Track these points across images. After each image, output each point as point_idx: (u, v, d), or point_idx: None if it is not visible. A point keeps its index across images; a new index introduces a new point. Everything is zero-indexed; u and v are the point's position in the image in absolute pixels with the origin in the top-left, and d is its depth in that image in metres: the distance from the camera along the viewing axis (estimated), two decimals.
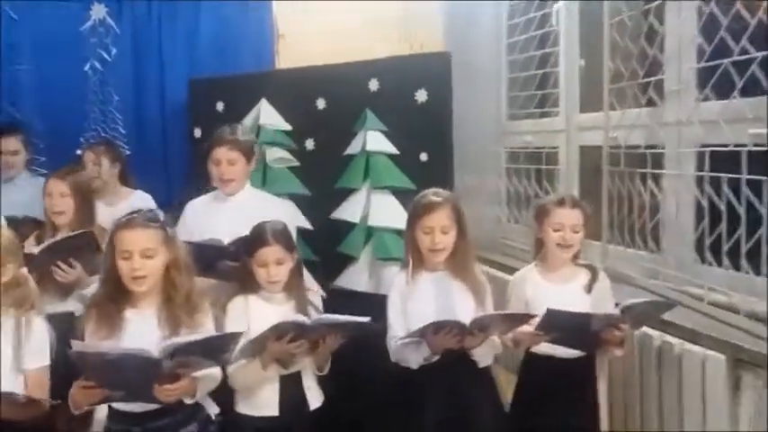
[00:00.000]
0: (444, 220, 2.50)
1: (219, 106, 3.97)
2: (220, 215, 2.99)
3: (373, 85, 3.46)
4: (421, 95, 3.34)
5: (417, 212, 2.54)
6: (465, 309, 2.47)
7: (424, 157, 3.36)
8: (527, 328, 2.41)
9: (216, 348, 2.04)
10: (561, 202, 2.61)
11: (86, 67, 4.22)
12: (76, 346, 1.91)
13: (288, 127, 3.75)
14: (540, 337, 2.36)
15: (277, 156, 3.73)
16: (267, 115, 3.74)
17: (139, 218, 2.17)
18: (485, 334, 2.36)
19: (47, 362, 2.10)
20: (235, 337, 2.09)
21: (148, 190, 3.77)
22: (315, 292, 2.72)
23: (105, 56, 4.25)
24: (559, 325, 2.30)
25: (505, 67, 4.15)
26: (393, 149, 3.43)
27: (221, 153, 2.92)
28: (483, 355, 2.48)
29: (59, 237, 2.89)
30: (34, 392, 2.01)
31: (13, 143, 3.70)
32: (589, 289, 2.57)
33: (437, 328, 2.29)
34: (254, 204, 3.01)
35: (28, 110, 4.13)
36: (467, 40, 4.11)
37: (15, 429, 2.00)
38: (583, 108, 3.47)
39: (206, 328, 2.21)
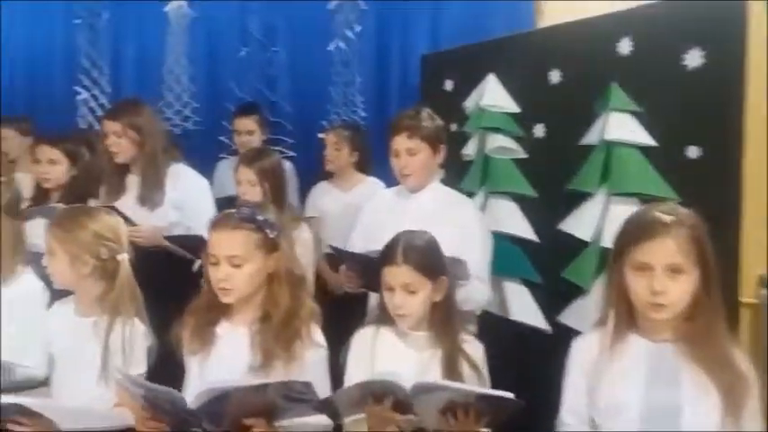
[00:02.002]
0: (673, 254, 1.40)
1: (448, 84, 3.16)
2: (400, 215, 2.25)
3: (624, 46, 2.26)
4: (692, 58, 2.04)
5: (629, 238, 1.47)
6: (701, 412, 1.39)
7: (692, 152, 2.09)
8: None
9: (285, 397, 1.45)
10: None
11: (331, 47, 3.75)
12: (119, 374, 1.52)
13: (515, 108, 2.77)
14: None
15: (498, 144, 2.77)
16: (492, 94, 2.83)
17: (232, 217, 1.65)
18: None
19: (144, 369, 1.77)
20: (304, 387, 1.45)
21: (387, 177, 3.16)
22: (472, 341, 1.77)
23: (350, 34, 3.75)
24: None
25: None
26: (647, 139, 2.21)
27: (399, 142, 2.24)
28: None
29: None
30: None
31: (249, 123, 3.53)
32: None
33: None
34: (436, 206, 2.25)
35: (280, 92, 3.89)
36: None
37: None
38: None
39: (304, 363, 1.63)
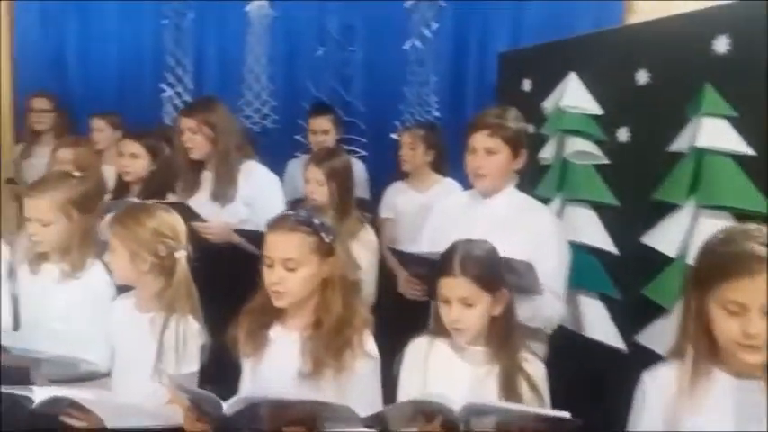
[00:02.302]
0: None
1: (526, 84, 3.00)
2: (470, 220, 2.12)
3: (720, 45, 2.04)
4: None
5: (718, 270, 1.29)
6: None
7: None
8: None
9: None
10: None
11: (406, 46, 3.67)
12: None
13: (597, 110, 2.58)
14: None
15: (578, 148, 2.60)
16: (573, 94, 2.65)
17: (289, 219, 1.61)
18: None
19: (196, 367, 1.74)
20: (344, 411, 1.37)
21: (463, 180, 3.06)
22: (533, 360, 1.64)
23: (426, 32, 3.65)
24: None
25: None
26: (743, 148, 2.00)
27: (478, 139, 2.06)
28: None
29: None
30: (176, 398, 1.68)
31: (324, 122, 3.52)
32: None
33: None
34: (509, 211, 2.09)
35: (355, 91, 3.85)
36: None
37: None
38: None
39: (354, 373, 1.57)
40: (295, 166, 3.55)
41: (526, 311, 1.82)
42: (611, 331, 2.46)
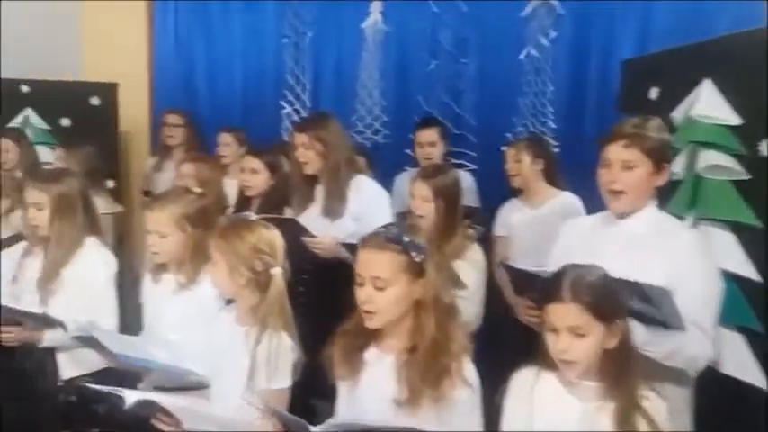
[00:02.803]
0: None
1: (653, 93, 2.74)
2: (603, 243, 1.83)
3: None
4: None
5: None
6: None
7: None
8: None
9: None
10: None
11: (522, 55, 3.51)
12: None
13: (735, 120, 2.30)
14: None
15: (713, 162, 2.32)
16: (707, 103, 2.38)
17: (379, 236, 1.53)
18: None
19: (287, 383, 1.69)
20: None
21: (580, 192, 2.91)
22: (654, 398, 1.45)
23: (543, 41, 3.47)
24: None
25: None
26: None
27: (614, 151, 1.78)
28: None
29: None
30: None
31: (431, 135, 3.42)
32: None
33: None
34: (648, 231, 1.77)
35: (466, 104, 3.75)
36: None
37: None
38: None
39: (454, 403, 1.46)
40: (403, 180, 3.49)
41: (664, 347, 1.59)
42: (752, 368, 2.15)
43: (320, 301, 1.99)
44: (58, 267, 2.09)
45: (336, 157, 2.56)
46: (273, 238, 1.79)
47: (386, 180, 2.77)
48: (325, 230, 2.50)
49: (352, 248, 2.42)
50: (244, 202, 2.90)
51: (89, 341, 1.83)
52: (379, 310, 1.50)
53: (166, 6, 4.36)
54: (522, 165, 3.06)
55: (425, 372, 1.46)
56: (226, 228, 1.81)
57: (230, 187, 3.06)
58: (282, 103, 4.12)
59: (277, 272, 1.74)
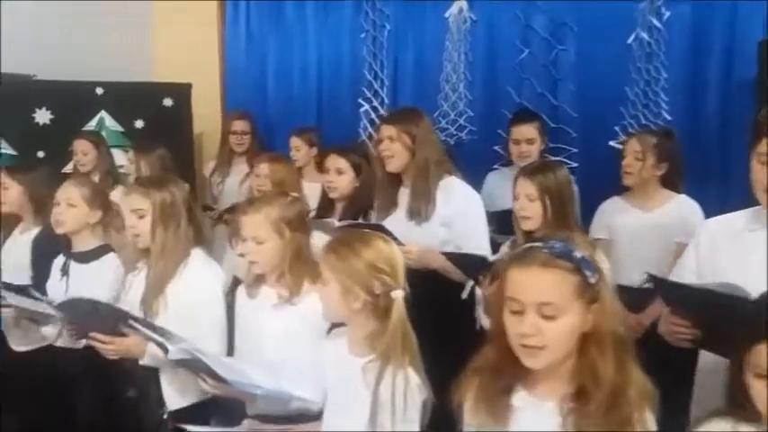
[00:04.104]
0: None
1: None
2: (753, 252, 1.51)
3: None
4: None
5: None
6: None
7: None
8: None
9: None
10: None
11: (630, 40, 3.10)
12: None
13: None
14: None
15: None
16: None
17: (540, 251, 1.18)
18: None
19: (416, 428, 1.44)
20: None
21: (699, 196, 2.56)
22: None
23: (655, 22, 3.05)
24: None
25: None
26: None
27: None
28: None
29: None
30: None
31: (529, 130, 3.04)
32: None
33: None
34: None
35: (565, 95, 3.37)
36: None
37: None
38: None
39: None
40: (495, 179, 3.14)
41: None
42: None
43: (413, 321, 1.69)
44: (163, 283, 1.86)
45: (425, 155, 2.30)
46: (393, 254, 1.50)
47: (470, 180, 2.46)
48: (410, 236, 2.21)
49: (454, 258, 2.12)
50: (327, 205, 2.68)
51: (193, 364, 1.60)
52: (548, 346, 1.15)
53: (238, 5, 4.20)
54: (644, 164, 2.65)
55: (602, 426, 1.10)
56: (339, 241, 1.54)
57: (306, 191, 2.83)
58: (360, 100, 3.84)
59: (399, 295, 1.45)
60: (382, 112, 3.77)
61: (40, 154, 3.53)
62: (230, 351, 1.87)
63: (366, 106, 3.83)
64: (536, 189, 2.13)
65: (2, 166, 2.81)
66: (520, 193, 2.18)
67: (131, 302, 1.91)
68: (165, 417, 1.86)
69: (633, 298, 1.76)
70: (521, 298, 1.16)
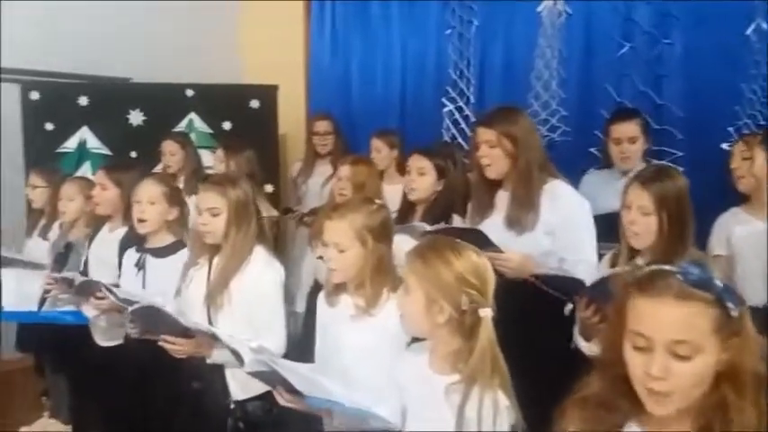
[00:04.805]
0: None
1: None
2: None
3: None
4: None
5: None
6: None
7: None
8: None
9: None
10: None
11: (748, 30, 2.79)
12: None
13: None
14: None
15: None
16: None
17: (674, 279, 1.01)
18: None
19: None
20: None
21: None
22: None
23: None
24: None
25: None
26: None
27: None
28: None
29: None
30: None
31: (631, 129, 2.78)
32: None
33: None
34: None
35: (670, 93, 3.10)
36: None
37: None
38: None
39: None
40: (594, 180, 2.90)
41: None
42: None
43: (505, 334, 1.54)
44: (228, 279, 1.91)
45: (528, 158, 2.08)
46: (485, 268, 1.38)
47: None
48: (508, 245, 2.03)
49: (551, 283, 1.94)
50: (408, 209, 2.56)
51: (269, 377, 1.55)
52: (676, 390, 0.98)
53: (324, 5, 4.17)
54: (754, 164, 2.35)
55: None
56: (427, 246, 1.43)
57: (387, 194, 2.73)
58: (444, 100, 3.70)
59: (487, 314, 1.33)
60: (467, 112, 3.61)
61: (133, 154, 3.64)
62: (310, 357, 1.83)
63: (450, 106, 3.68)
64: (652, 201, 1.85)
65: (100, 166, 2.89)
66: (632, 204, 1.91)
67: (191, 296, 1.97)
68: (231, 407, 1.94)
69: (761, 321, 1.52)
70: (650, 334, 0.99)
